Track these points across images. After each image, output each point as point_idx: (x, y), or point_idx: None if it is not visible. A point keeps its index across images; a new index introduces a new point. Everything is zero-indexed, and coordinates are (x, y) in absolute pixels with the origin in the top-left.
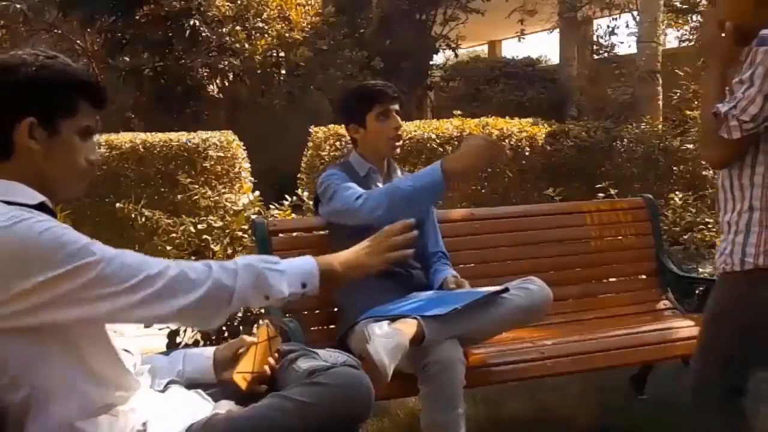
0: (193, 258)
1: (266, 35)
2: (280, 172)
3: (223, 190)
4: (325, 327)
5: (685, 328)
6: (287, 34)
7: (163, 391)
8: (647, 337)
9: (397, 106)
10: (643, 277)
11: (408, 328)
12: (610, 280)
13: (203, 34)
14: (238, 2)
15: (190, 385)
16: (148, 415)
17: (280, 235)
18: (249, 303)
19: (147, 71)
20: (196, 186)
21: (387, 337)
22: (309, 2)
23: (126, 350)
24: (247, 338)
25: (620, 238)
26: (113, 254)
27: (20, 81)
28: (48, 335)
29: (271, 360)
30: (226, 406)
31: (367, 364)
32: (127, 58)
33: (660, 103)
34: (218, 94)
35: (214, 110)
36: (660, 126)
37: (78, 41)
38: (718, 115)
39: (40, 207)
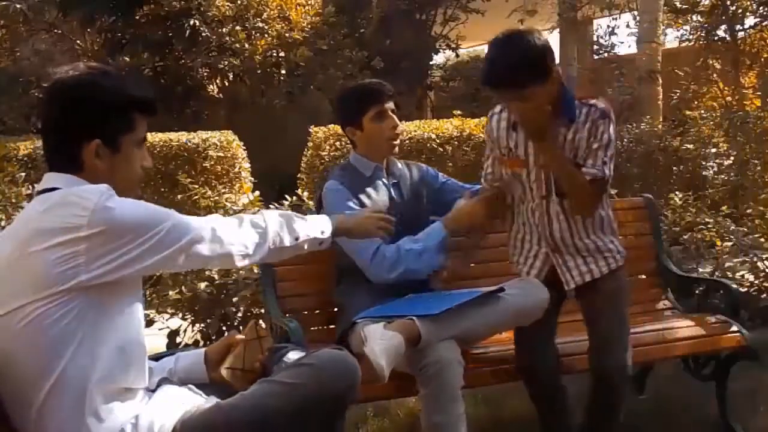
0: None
1: (266, 35)
2: (280, 172)
3: (223, 190)
4: (325, 327)
5: (685, 327)
6: (287, 34)
7: (154, 390)
8: (646, 338)
9: (392, 105)
10: (643, 277)
11: (404, 328)
12: None
13: (203, 34)
14: (238, 2)
15: (181, 384)
16: (140, 408)
17: None
18: (282, 242)
19: (147, 71)
20: (196, 186)
21: (383, 339)
22: (309, 2)
23: None
24: (238, 336)
25: (620, 238)
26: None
27: (84, 103)
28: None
29: (261, 358)
30: (215, 401)
31: (364, 366)
32: (127, 58)
33: (660, 103)
34: (218, 94)
35: (214, 110)
36: (660, 126)
37: (78, 41)
38: (600, 179)
39: None
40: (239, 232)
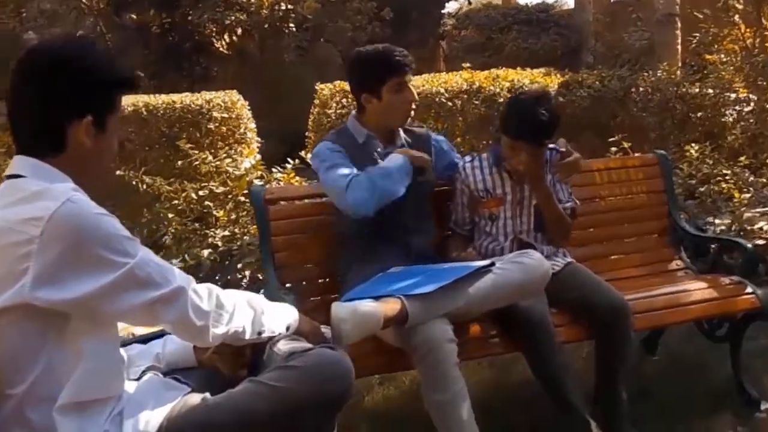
0: (196, 225)
1: None
2: (290, 129)
3: (229, 152)
4: (327, 296)
5: (698, 290)
6: None
7: (138, 379)
8: (658, 301)
9: (411, 76)
10: (655, 236)
11: (390, 306)
12: (621, 240)
13: None
14: None
15: (169, 369)
16: (123, 403)
17: (281, 203)
18: (243, 334)
19: (155, 28)
20: (196, 151)
21: (360, 304)
22: None
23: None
24: None
25: (631, 196)
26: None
27: (76, 77)
28: (57, 319)
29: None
30: (198, 397)
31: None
32: (133, 16)
33: (678, 47)
34: (227, 50)
35: (223, 67)
36: (678, 72)
37: (83, 0)
38: (573, 209)
39: None
40: (209, 307)
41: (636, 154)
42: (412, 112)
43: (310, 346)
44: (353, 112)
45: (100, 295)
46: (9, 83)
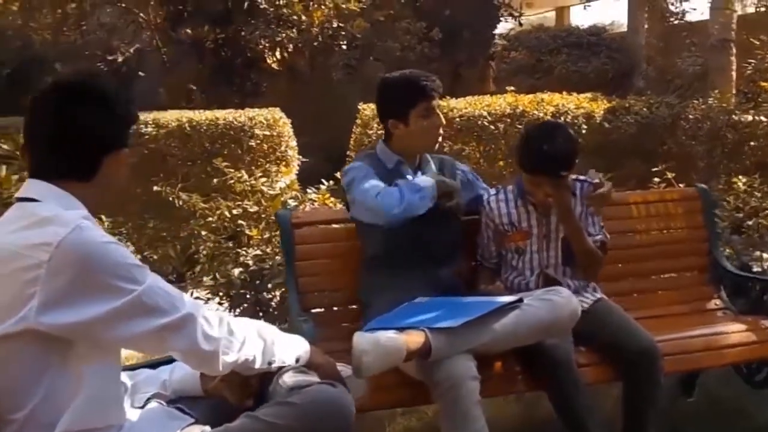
0: (230, 243)
1: (323, 6)
2: (336, 147)
3: (266, 170)
4: (347, 325)
5: (736, 333)
6: (344, 5)
7: (142, 407)
8: (694, 343)
9: (439, 101)
10: (694, 273)
11: (413, 338)
12: (657, 276)
13: (261, 6)
14: None
15: (177, 396)
16: None
17: (307, 227)
18: (253, 363)
19: (209, 43)
20: (232, 170)
21: (384, 336)
22: None
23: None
24: None
25: (669, 231)
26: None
27: (117, 112)
28: (57, 346)
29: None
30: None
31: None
32: (189, 31)
33: (733, 74)
34: (278, 67)
35: (273, 83)
36: (732, 99)
37: (141, 14)
38: (604, 243)
39: None
40: (220, 334)
41: (680, 186)
42: (439, 138)
43: (314, 380)
44: (381, 139)
45: (106, 320)
46: (35, 108)
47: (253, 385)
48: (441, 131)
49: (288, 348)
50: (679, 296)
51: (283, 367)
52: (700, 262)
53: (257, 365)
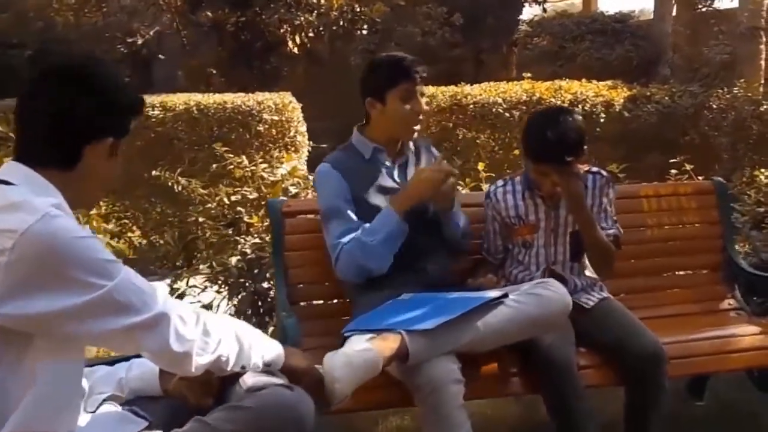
0: (230, 230)
1: None
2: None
3: (266, 157)
4: (335, 318)
5: (748, 336)
6: None
7: (94, 411)
8: (703, 346)
9: (423, 88)
10: (707, 271)
11: (388, 344)
12: (669, 274)
13: None
14: None
15: (133, 396)
16: None
17: (296, 217)
18: (227, 364)
19: (228, 26)
20: (231, 155)
21: (356, 352)
22: None
23: None
24: None
25: (682, 226)
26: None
27: (103, 99)
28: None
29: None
30: None
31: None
32: (209, 14)
33: (762, 63)
34: (297, 51)
35: (292, 67)
36: (760, 88)
37: None
38: (617, 237)
39: None
40: (194, 335)
41: (699, 179)
42: (418, 126)
43: (274, 381)
44: (357, 126)
45: (74, 316)
46: (24, 92)
47: (214, 385)
48: (420, 118)
49: (262, 351)
50: (690, 295)
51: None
52: (714, 260)
53: (230, 367)
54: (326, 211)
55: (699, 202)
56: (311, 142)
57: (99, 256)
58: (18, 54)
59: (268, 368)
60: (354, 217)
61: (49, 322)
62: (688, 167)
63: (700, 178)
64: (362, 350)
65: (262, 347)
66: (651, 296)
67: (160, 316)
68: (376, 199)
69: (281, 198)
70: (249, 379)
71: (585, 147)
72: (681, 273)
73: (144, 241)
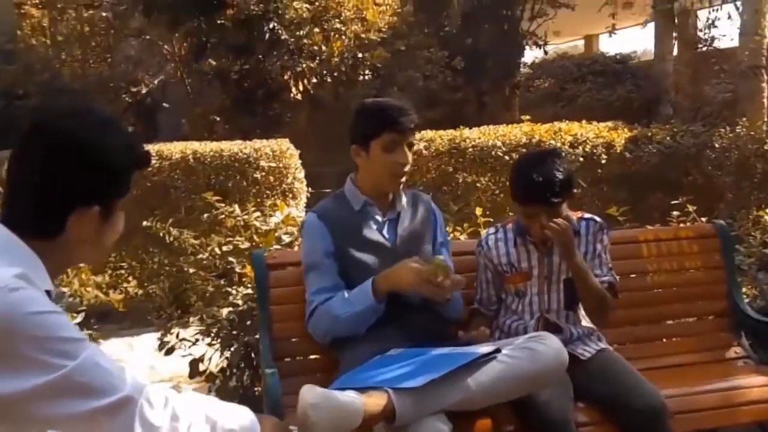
0: (221, 281)
1: (343, 37)
2: None
3: (259, 207)
4: (321, 375)
5: (757, 387)
6: (364, 35)
7: None
8: (708, 399)
9: (412, 140)
10: (711, 318)
11: (373, 401)
12: (671, 322)
13: (282, 37)
14: (316, 3)
15: None
16: None
17: (281, 269)
18: None
19: (232, 74)
20: (223, 204)
21: (337, 394)
22: (386, 2)
23: None
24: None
25: (684, 272)
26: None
27: (87, 164)
28: None
29: None
30: None
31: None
32: (212, 62)
33: (765, 101)
34: (299, 97)
35: (295, 113)
36: (763, 126)
37: (166, 46)
38: (613, 285)
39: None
40: (162, 421)
41: (702, 220)
42: (404, 178)
43: None
44: (351, 175)
45: (30, 398)
46: (12, 151)
47: None
48: (405, 170)
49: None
50: (694, 344)
51: None
52: (718, 307)
53: None
54: (306, 264)
55: (701, 246)
56: (310, 188)
57: (59, 333)
58: (23, 105)
59: None
60: (333, 273)
61: (5, 404)
62: (690, 208)
63: (703, 219)
64: (344, 395)
65: (234, 425)
66: (652, 346)
67: (125, 400)
68: (362, 253)
69: (273, 247)
70: None
71: (574, 189)
72: (683, 321)
73: (140, 291)
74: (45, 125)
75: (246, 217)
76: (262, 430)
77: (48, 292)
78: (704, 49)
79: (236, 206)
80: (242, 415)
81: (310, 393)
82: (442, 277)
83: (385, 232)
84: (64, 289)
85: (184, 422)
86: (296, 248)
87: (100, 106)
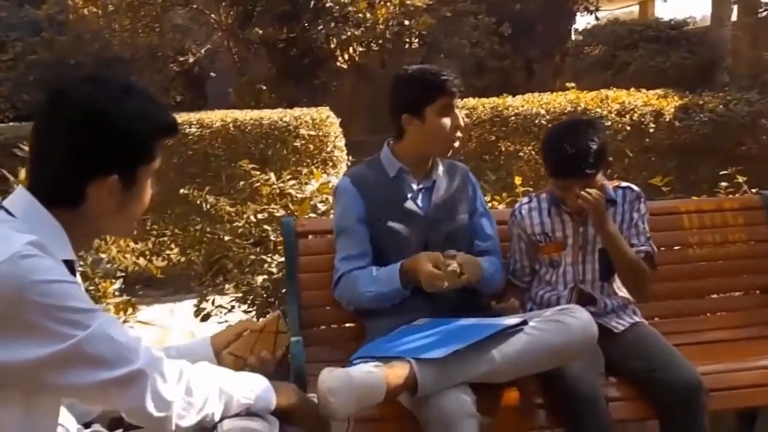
0: (257, 249)
1: (388, 3)
2: None
3: (294, 173)
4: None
5: None
6: (409, 2)
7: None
8: (748, 377)
9: (459, 102)
10: (756, 293)
11: (395, 372)
12: (714, 296)
13: (327, 5)
14: None
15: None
16: None
17: (310, 237)
18: (213, 418)
19: (279, 43)
20: (258, 173)
21: (357, 371)
22: None
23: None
24: (253, 323)
25: (727, 245)
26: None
27: (104, 133)
28: None
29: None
30: None
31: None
32: (259, 30)
33: None
34: (345, 65)
35: (341, 81)
36: None
37: (213, 15)
38: (651, 255)
39: (66, 264)
40: (175, 396)
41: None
42: (457, 142)
43: (252, 426)
44: (388, 141)
45: (40, 366)
46: (36, 120)
47: (256, 368)
48: (459, 134)
49: (249, 400)
50: (735, 319)
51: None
52: (763, 281)
53: (216, 420)
54: (337, 228)
55: (746, 218)
56: (351, 157)
57: (69, 303)
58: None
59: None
60: (362, 240)
61: (11, 372)
62: (740, 179)
63: (754, 190)
64: (364, 371)
65: (249, 395)
66: (690, 321)
67: (137, 374)
68: (394, 220)
69: (308, 215)
70: (227, 426)
71: (608, 159)
72: (725, 296)
73: (183, 258)
74: (63, 93)
75: (281, 185)
76: (278, 397)
77: (69, 262)
78: (765, 14)
79: (272, 174)
80: (258, 384)
81: (328, 377)
82: (447, 285)
83: (419, 200)
84: (102, 255)
85: (199, 397)
86: (330, 216)
87: (122, 75)
